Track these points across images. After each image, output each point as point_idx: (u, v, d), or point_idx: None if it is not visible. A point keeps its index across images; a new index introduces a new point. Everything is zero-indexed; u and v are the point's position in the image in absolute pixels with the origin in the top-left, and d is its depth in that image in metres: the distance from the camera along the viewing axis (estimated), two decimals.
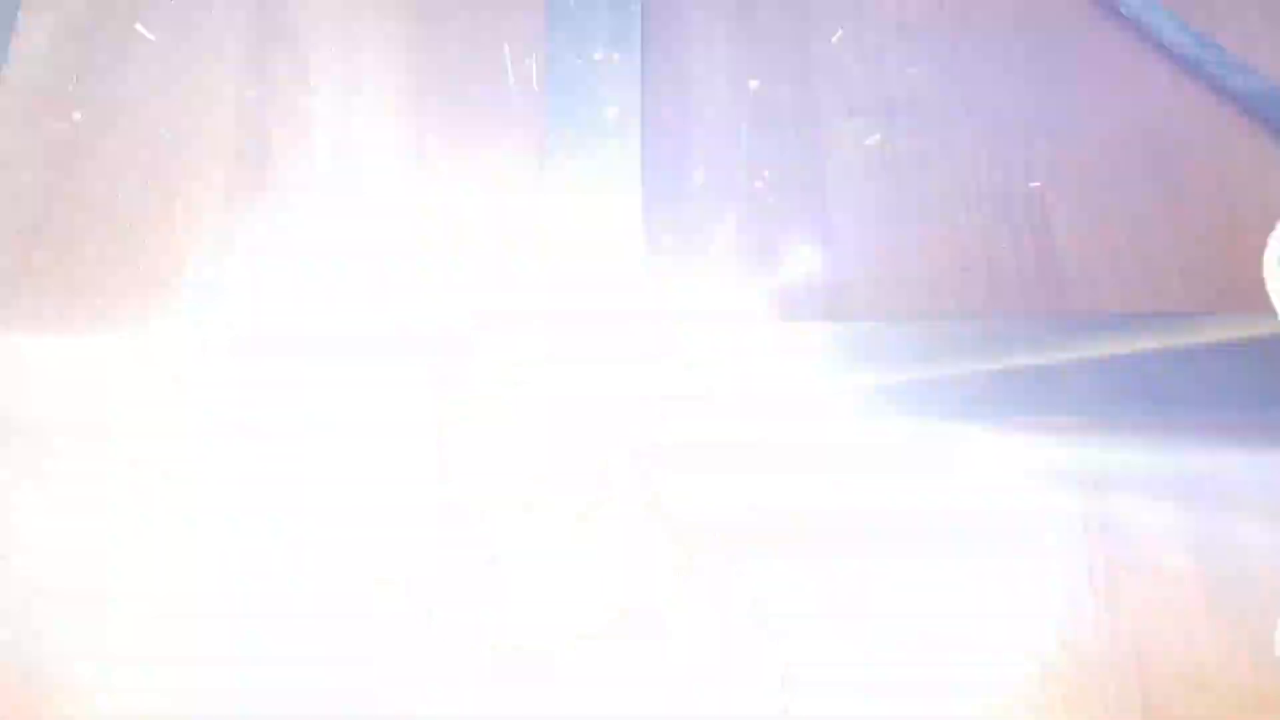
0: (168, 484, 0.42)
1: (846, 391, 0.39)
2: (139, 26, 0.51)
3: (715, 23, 0.51)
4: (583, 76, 0.46)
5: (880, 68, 0.50)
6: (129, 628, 0.39)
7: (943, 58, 0.50)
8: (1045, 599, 0.39)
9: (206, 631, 0.39)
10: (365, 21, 0.51)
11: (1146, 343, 0.39)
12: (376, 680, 0.38)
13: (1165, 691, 0.38)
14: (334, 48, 0.51)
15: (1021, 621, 0.39)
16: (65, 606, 0.39)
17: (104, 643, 0.39)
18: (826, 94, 0.49)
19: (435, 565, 0.39)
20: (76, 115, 0.49)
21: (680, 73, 0.50)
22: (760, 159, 0.48)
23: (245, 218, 0.47)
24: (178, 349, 0.44)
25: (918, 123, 0.48)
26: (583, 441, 0.39)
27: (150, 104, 0.49)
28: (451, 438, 0.40)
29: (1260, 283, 0.45)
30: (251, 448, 0.42)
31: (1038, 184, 0.47)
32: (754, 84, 0.49)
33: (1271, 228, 0.46)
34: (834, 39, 0.50)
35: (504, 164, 0.48)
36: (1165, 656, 0.38)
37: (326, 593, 0.39)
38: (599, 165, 0.44)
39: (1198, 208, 0.46)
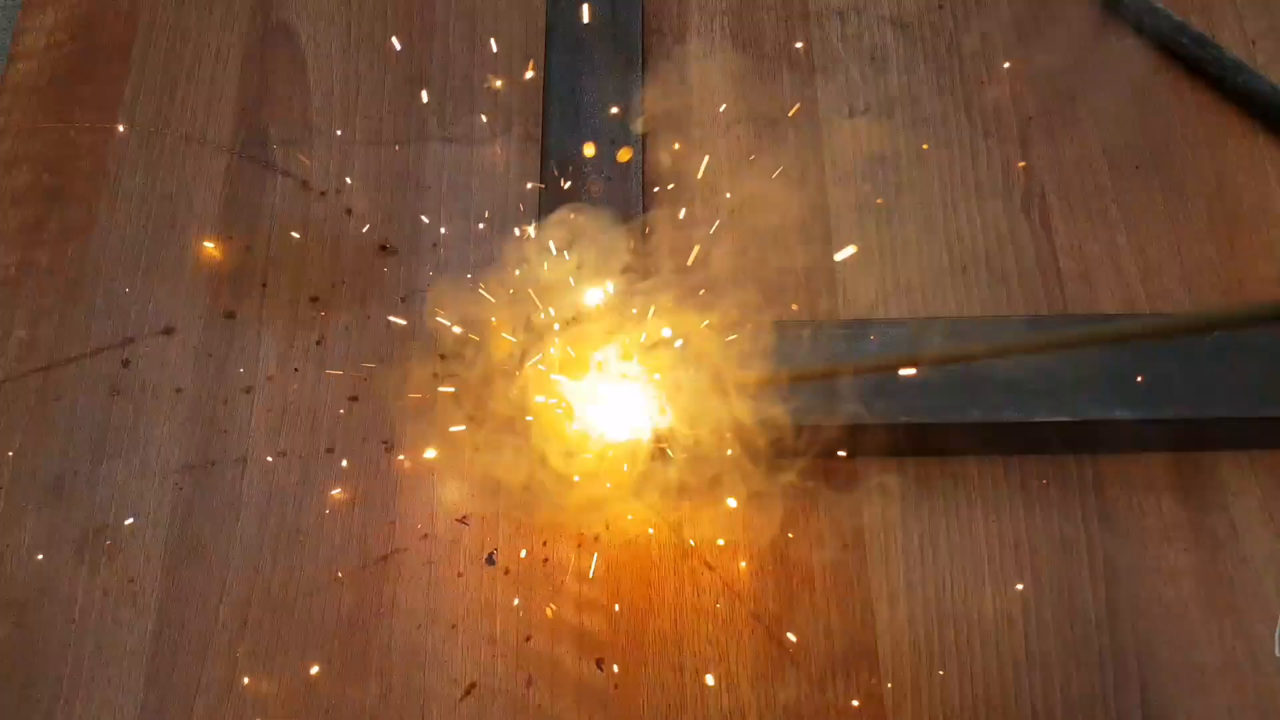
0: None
1: (846, 391, 0.39)
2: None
3: (715, 22, 0.51)
4: (582, 75, 0.46)
5: (880, 68, 0.50)
6: None
7: (942, 58, 0.50)
8: (1045, 598, 0.39)
9: None
10: (365, 22, 0.51)
11: (1147, 343, 0.39)
12: None
13: (1165, 691, 0.38)
14: (334, 47, 0.51)
15: (1021, 621, 0.39)
16: None
17: None
18: (826, 94, 0.49)
19: None
20: (77, 115, 0.49)
21: (680, 73, 0.50)
22: (760, 159, 0.48)
23: (246, 217, 0.47)
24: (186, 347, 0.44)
25: (918, 123, 0.48)
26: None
27: (150, 104, 0.49)
28: None
29: (1261, 282, 0.45)
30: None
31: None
32: (754, 84, 0.49)
33: (1271, 228, 0.46)
34: (835, 39, 0.50)
35: (502, 165, 0.48)
36: (1165, 656, 0.38)
37: None
38: (598, 160, 0.44)
39: (1198, 208, 0.46)
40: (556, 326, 0.39)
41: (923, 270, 0.45)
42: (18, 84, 0.49)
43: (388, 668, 0.39)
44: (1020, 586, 0.40)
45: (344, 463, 0.42)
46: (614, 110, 0.45)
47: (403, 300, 0.45)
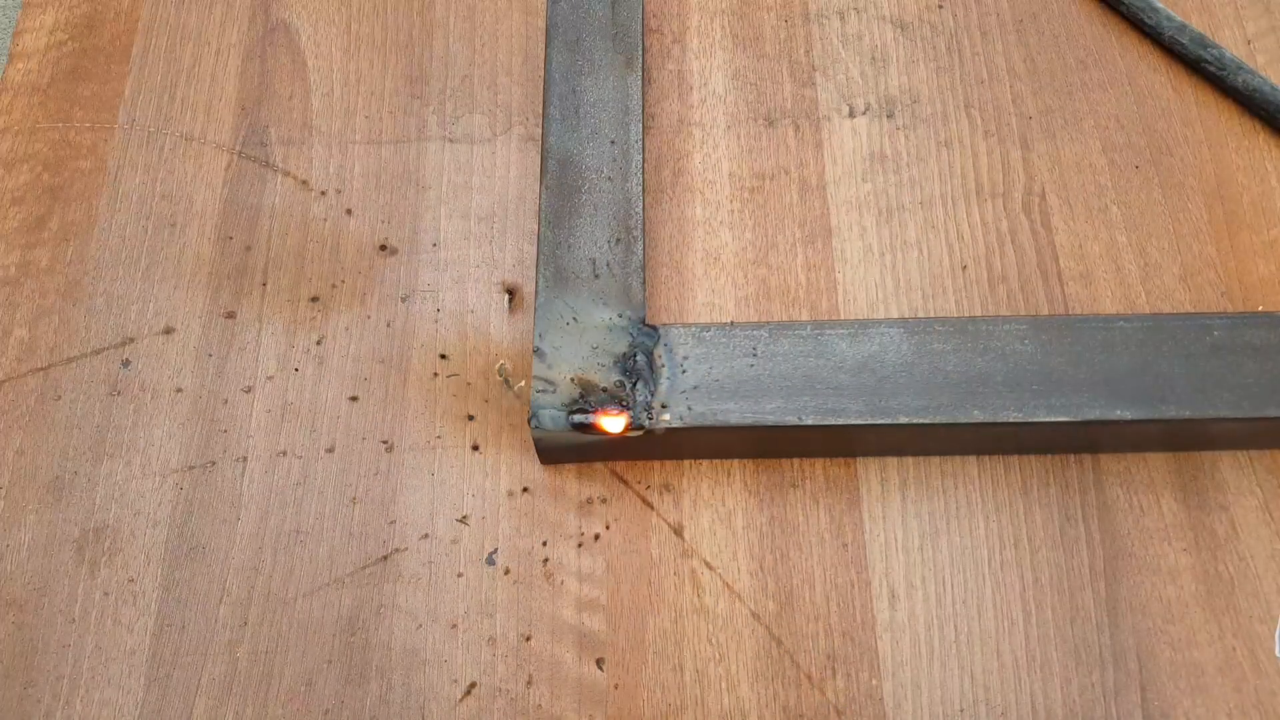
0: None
1: (846, 391, 0.39)
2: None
3: (715, 22, 0.51)
4: (582, 75, 0.46)
5: (880, 68, 0.50)
6: None
7: (942, 58, 0.50)
8: (1045, 598, 0.39)
9: None
10: (365, 21, 0.51)
11: (1148, 343, 0.39)
12: None
13: (1165, 691, 0.38)
14: (334, 47, 0.51)
15: (1021, 621, 0.39)
16: None
17: None
18: (826, 94, 0.49)
19: None
20: (77, 115, 0.49)
21: (680, 72, 0.50)
22: (760, 159, 0.48)
23: (246, 217, 0.47)
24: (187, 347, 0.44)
25: (918, 123, 0.48)
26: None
27: (150, 104, 0.49)
28: None
29: (1261, 282, 0.45)
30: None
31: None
32: (754, 84, 0.50)
33: (1271, 228, 0.46)
34: (835, 39, 0.50)
35: (502, 165, 0.48)
36: (1165, 656, 0.38)
37: None
38: (599, 157, 0.44)
39: (1198, 207, 0.46)
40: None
41: (923, 270, 0.45)
42: (18, 84, 0.49)
43: (388, 668, 0.39)
44: (1020, 586, 0.40)
45: (344, 463, 0.42)
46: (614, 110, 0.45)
47: (403, 300, 0.45)
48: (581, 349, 0.40)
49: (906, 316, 0.44)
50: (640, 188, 0.43)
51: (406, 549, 0.40)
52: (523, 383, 0.43)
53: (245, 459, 0.42)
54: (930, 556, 0.40)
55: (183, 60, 0.50)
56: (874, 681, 0.38)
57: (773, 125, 0.49)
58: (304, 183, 0.47)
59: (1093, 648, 0.39)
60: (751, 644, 0.39)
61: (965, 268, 0.45)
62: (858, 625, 0.39)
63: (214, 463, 0.42)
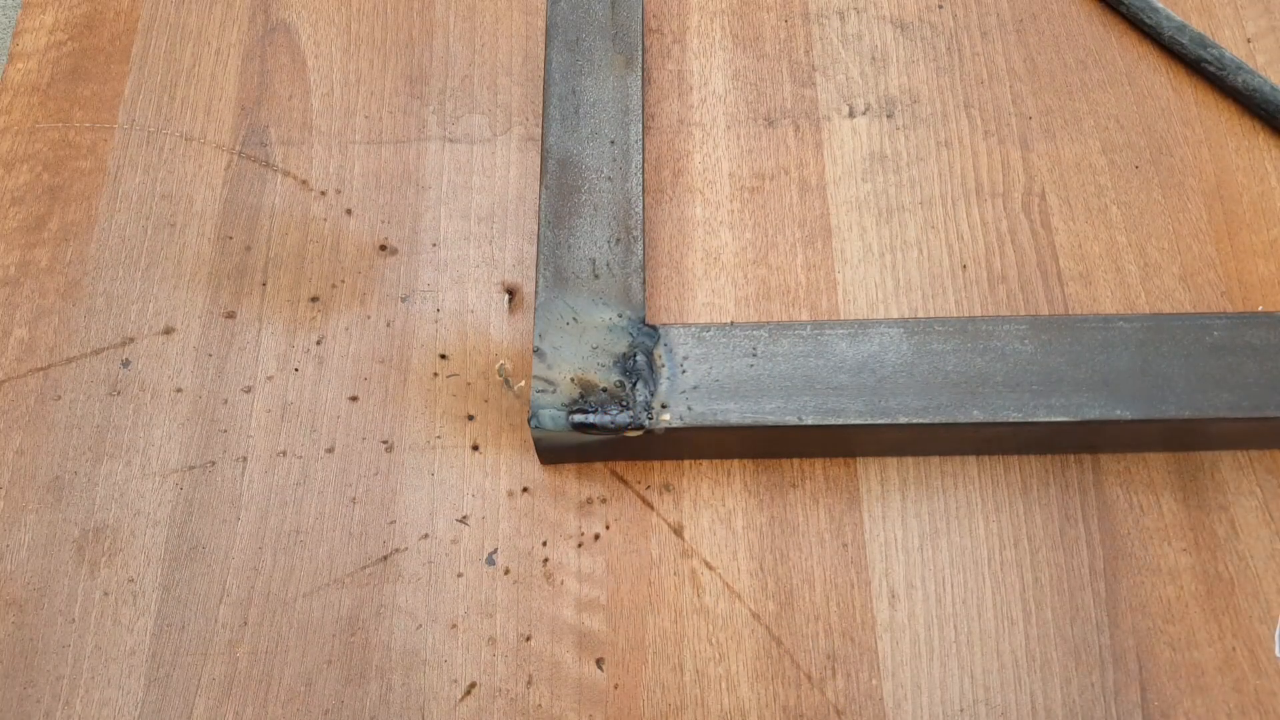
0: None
1: (846, 391, 0.39)
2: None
3: (715, 22, 0.51)
4: (582, 75, 0.45)
5: (880, 68, 0.50)
6: None
7: (942, 58, 0.50)
8: (1045, 598, 0.39)
9: None
10: (365, 21, 0.51)
11: (1148, 343, 0.39)
12: None
13: (1165, 691, 0.38)
14: (334, 47, 0.51)
15: (1021, 621, 0.39)
16: None
17: None
18: (826, 94, 0.49)
19: None
20: (77, 115, 0.49)
21: (680, 72, 0.50)
22: (760, 159, 0.48)
23: (246, 217, 0.47)
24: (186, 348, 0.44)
25: (918, 122, 0.48)
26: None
27: (150, 104, 0.49)
28: None
29: (1261, 282, 0.45)
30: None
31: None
32: (754, 84, 0.50)
33: (1271, 228, 0.46)
34: (835, 39, 0.50)
35: (502, 165, 0.48)
36: (1165, 656, 0.38)
37: None
38: (599, 157, 0.44)
39: (1197, 208, 0.46)
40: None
41: (923, 270, 0.45)
42: (18, 84, 0.49)
43: (388, 668, 0.39)
44: (1020, 586, 0.40)
45: (344, 463, 0.42)
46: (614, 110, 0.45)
47: (403, 300, 0.45)
48: (581, 349, 0.40)
49: (906, 316, 0.44)
50: (640, 188, 0.43)
51: (406, 549, 0.40)
52: (523, 383, 0.43)
53: (245, 459, 0.42)
54: (930, 556, 0.40)
55: (183, 60, 0.50)
56: (874, 681, 0.38)
57: (773, 125, 0.49)
58: (304, 183, 0.47)
59: (1093, 648, 0.39)
60: (751, 644, 0.39)
61: (965, 268, 0.45)
62: (858, 625, 0.39)
63: (214, 463, 0.42)
